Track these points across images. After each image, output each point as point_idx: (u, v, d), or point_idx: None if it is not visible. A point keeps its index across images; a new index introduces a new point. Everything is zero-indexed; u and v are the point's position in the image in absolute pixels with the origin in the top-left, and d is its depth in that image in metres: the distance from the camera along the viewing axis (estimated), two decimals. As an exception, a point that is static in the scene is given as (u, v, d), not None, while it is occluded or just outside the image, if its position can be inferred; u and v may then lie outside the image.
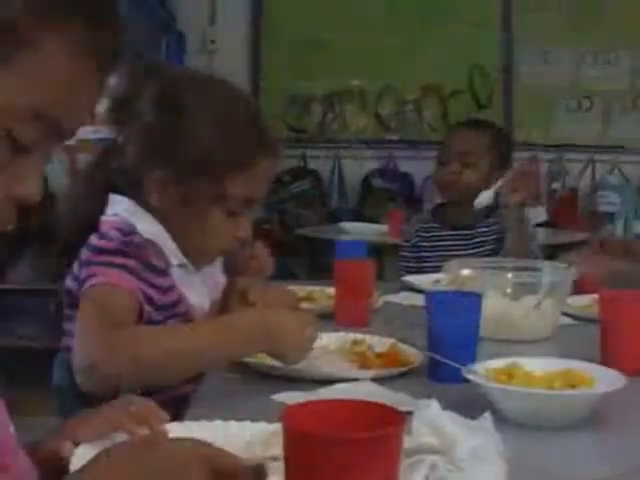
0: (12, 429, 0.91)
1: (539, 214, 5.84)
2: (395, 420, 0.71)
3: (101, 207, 1.47)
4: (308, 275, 4.75)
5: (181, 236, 1.49)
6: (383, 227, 4.66)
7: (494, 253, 2.53)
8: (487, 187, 2.53)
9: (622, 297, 1.60)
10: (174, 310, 1.48)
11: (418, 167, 5.35)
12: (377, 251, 4.08)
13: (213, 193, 1.45)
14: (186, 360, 1.34)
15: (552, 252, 4.21)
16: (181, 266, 1.50)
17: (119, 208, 1.47)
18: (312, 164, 5.38)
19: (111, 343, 1.28)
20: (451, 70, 5.50)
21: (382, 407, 0.76)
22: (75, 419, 1.07)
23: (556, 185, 5.65)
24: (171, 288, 1.48)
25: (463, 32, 5.47)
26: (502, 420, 1.14)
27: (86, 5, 0.78)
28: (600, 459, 1.15)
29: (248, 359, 1.44)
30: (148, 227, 1.46)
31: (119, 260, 1.39)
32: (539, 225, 5.26)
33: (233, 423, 1.07)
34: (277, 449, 0.92)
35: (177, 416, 1.15)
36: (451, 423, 0.93)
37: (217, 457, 0.79)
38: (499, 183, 2.49)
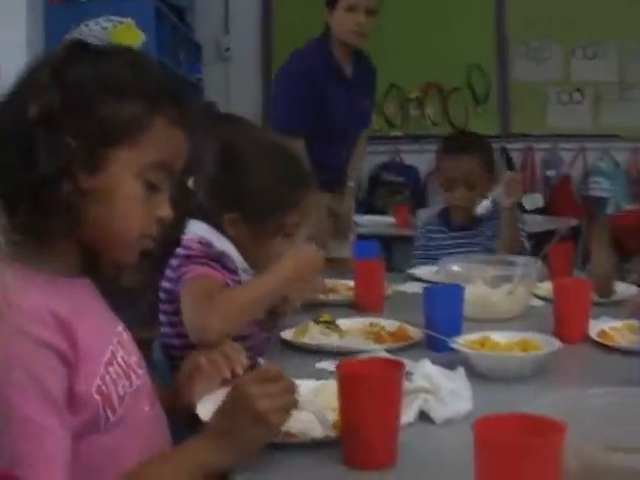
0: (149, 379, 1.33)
1: (536, 201, 6.07)
2: (399, 368, 1.24)
3: (182, 231, 1.91)
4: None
5: (249, 257, 1.89)
6: (391, 219, 4.98)
7: (490, 250, 2.83)
8: (485, 196, 2.85)
9: (569, 284, 2.07)
10: None
11: (422, 160, 5.64)
12: (386, 241, 4.40)
13: (275, 226, 1.88)
14: (254, 303, 1.77)
15: (548, 236, 4.52)
16: (245, 271, 1.91)
17: (197, 229, 1.87)
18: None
19: (207, 309, 1.70)
20: (450, 69, 5.74)
21: (391, 361, 1.31)
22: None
23: (550, 173, 5.90)
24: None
25: (460, 31, 5.71)
26: (476, 375, 1.60)
27: (172, 94, 1.23)
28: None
29: (302, 340, 1.91)
30: (220, 242, 1.87)
31: (204, 261, 1.81)
32: (535, 211, 5.54)
33: None
34: (321, 400, 1.41)
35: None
36: (437, 373, 1.43)
37: (251, 373, 1.24)
38: (496, 191, 2.79)
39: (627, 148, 5.85)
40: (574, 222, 4.93)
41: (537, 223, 4.37)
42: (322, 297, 2.38)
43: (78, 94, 1.15)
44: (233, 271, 1.87)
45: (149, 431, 1.26)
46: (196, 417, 1.38)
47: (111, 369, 1.18)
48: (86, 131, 1.15)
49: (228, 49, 5.86)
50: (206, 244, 1.85)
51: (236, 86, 5.76)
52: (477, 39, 5.79)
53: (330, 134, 3.40)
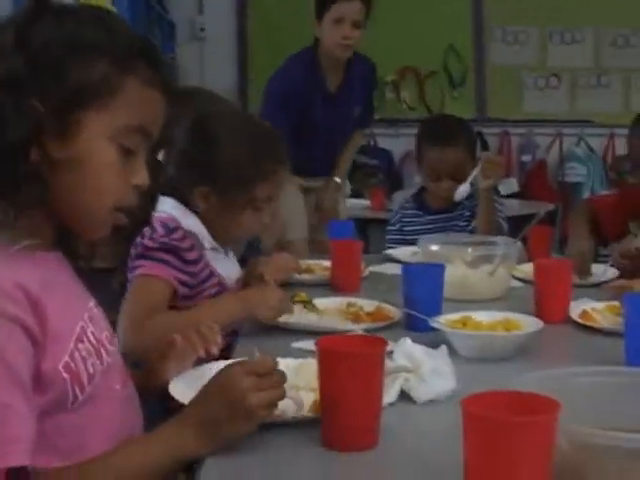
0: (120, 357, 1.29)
1: (511, 185, 6.13)
2: (381, 345, 1.18)
3: (153, 208, 1.89)
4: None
5: (219, 231, 1.92)
6: (366, 202, 4.96)
7: (467, 232, 2.81)
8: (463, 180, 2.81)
9: (550, 264, 2.05)
10: (210, 282, 1.92)
11: (397, 144, 5.65)
12: (362, 224, 4.41)
13: (245, 198, 1.89)
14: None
15: (525, 222, 4.49)
16: (213, 249, 1.93)
17: (166, 206, 1.88)
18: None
19: (141, 335, 1.71)
20: (426, 52, 5.72)
21: (373, 337, 1.25)
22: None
23: (526, 158, 5.91)
24: (203, 269, 1.90)
25: (437, 15, 5.69)
26: (457, 355, 1.57)
27: (146, 54, 1.17)
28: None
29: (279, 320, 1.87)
30: (189, 221, 1.89)
31: (159, 256, 1.82)
32: (511, 196, 5.58)
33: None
34: (301, 380, 1.37)
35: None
36: (419, 351, 1.38)
37: (244, 362, 1.19)
38: (473, 174, 2.75)
39: (603, 134, 5.86)
40: (550, 207, 4.90)
41: (512, 208, 4.33)
42: (297, 276, 2.35)
43: (43, 56, 1.09)
44: (191, 262, 1.87)
45: (120, 411, 1.21)
46: (169, 396, 1.33)
47: (81, 346, 1.13)
48: (54, 94, 1.09)
49: (203, 29, 5.82)
50: (171, 228, 1.86)
51: (210, 66, 5.72)
52: (454, 22, 5.77)
53: (315, 140, 3.45)
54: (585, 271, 2.34)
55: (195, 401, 1.19)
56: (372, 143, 5.82)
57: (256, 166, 1.88)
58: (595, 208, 2.70)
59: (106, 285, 1.38)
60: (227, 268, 1.99)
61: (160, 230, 1.85)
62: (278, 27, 5.65)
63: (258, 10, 5.77)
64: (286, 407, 1.25)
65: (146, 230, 1.84)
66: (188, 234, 1.89)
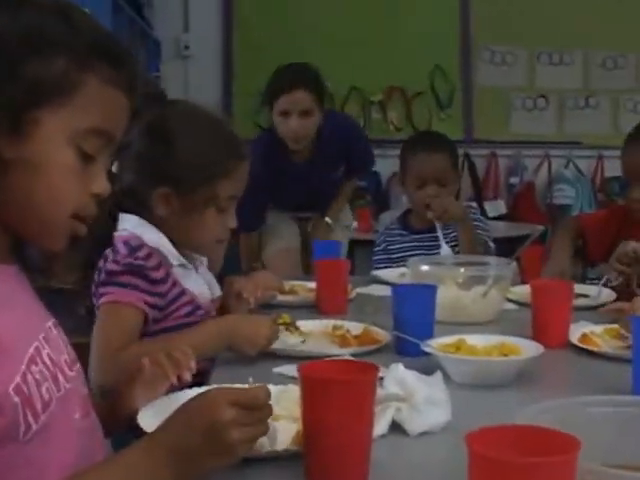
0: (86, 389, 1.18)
1: (498, 207, 6.08)
2: (372, 371, 1.06)
3: (114, 226, 1.80)
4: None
5: (183, 237, 1.82)
6: (353, 223, 4.85)
7: (455, 252, 2.71)
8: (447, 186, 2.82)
9: (548, 286, 1.95)
10: (180, 300, 1.81)
11: (384, 165, 5.44)
12: (348, 245, 4.33)
13: (207, 197, 1.79)
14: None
15: (512, 244, 4.46)
16: (180, 266, 1.83)
17: (128, 224, 1.79)
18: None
19: (114, 361, 1.62)
20: (414, 72, 5.67)
21: (362, 363, 1.13)
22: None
23: (514, 180, 5.85)
24: (172, 287, 1.80)
25: (424, 35, 5.65)
26: (450, 382, 1.44)
27: (108, 51, 1.09)
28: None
29: None
30: (153, 236, 1.79)
31: (126, 279, 1.72)
32: (498, 218, 5.52)
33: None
34: (282, 409, 1.26)
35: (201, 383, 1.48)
36: (411, 378, 1.26)
37: (234, 392, 1.05)
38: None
39: (591, 155, 5.83)
40: (539, 228, 4.84)
41: (499, 230, 4.33)
42: (280, 298, 2.24)
43: None
44: (159, 281, 1.77)
45: (79, 443, 1.09)
46: (137, 426, 1.21)
47: (34, 368, 1.02)
48: (6, 89, 1.00)
49: (188, 47, 5.77)
50: (135, 247, 1.77)
51: (195, 85, 5.65)
52: (442, 43, 5.74)
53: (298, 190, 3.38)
54: None
55: (169, 425, 1.05)
56: (359, 164, 5.73)
57: (216, 163, 1.79)
58: (582, 226, 2.64)
59: (69, 309, 1.27)
60: (199, 285, 1.88)
61: (123, 250, 1.76)
62: (263, 46, 5.59)
63: (243, 29, 5.73)
64: (263, 440, 1.13)
65: (109, 252, 1.76)
66: (154, 251, 1.79)
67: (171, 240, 1.83)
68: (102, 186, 1.09)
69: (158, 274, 1.77)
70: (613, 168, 5.67)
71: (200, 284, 1.89)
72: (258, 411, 1.04)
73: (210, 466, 1.03)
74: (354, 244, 4.50)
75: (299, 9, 5.65)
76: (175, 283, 1.81)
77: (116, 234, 1.79)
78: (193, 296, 1.84)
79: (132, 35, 4.76)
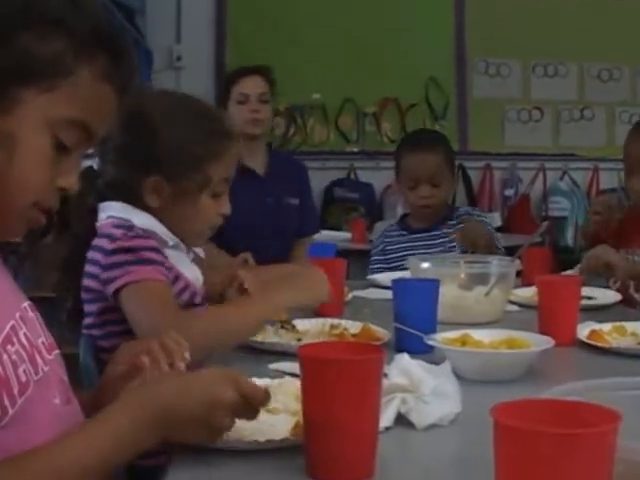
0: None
1: (493, 220, 6.03)
2: (377, 351, 0.98)
3: (94, 222, 1.71)
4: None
5: (177, 226, 1.73)
6: (347, 234, 4.83)
7: (451, 251, 2.70)
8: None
9: (556, 281, 1.88)
10: (176, 286, 1.71)
11: (378, 177, 5.49)
12: (343, 255, 4.24)
13: (200, 182, 1.72)
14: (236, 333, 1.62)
15: (508, 256, 4.37)
16: (174, 247, 1.73)
17: (111, 211, 1.70)
18: (276, 175, 5.48)
19: (181, 324, 1.48)
20: (408, 84, 5.61)
21: (366, 344, 1.05)
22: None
23: (509, 192, 5.79)
24: (169, 271, 1.69)
25: (418, 46, 5.61)
26: (458, 377, 1.35)
27: (108, 43, 1.03)
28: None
29: (254, 339, 1.69)
30: (142, 218, 1.69)
31: (147, 255, 1.62)
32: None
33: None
34: (279, 402, 1.18)
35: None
36: (418, 367, 1.19)
37: (240, 378, 1.03)
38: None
39: (587, 168, 5.78)
40: (536, 237, 4.78)
41: (494, 242, 4.27)
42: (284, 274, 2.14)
43: None
44: (163, 261, 1.68)
45: (59, 430, 1.01)
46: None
47: (10, 348, 0.94)
48: None
49: (180, 58, 5.72)
50: (128, 227, 1.67)
51: (187, 96, 5.57)
52: (436, 54, 5.70)
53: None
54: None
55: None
56: (352, 176, 5.69)
57: (204, 144, 1.72)
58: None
59: (49, 319, 1.19)
60: (193, 270, 1.80)
61: (118, 233, 1.65)
62: (256, 59, 5.46)
63: (236, 40, 5.67)
64: (257, 431, 1.06)
65: (98, 241, 1.66)
66: (150, 233, 1.68)
67: None
68: (71, 181, 1.04)
69: (158, 256, 1.67)
70: (609, 180, 5.66)
71: (194, 269, 1.81)
72: (251, 407, 1.02)
73: (191, 438, 1.01)
74: (348, 254, 4.47)
75: (292, 21, 5.61)
76: (171, 267, 1.72)
77: (101, 223, 1.69)
78: (186, 281, 1.76)
79: (123, 43, 4.71)
